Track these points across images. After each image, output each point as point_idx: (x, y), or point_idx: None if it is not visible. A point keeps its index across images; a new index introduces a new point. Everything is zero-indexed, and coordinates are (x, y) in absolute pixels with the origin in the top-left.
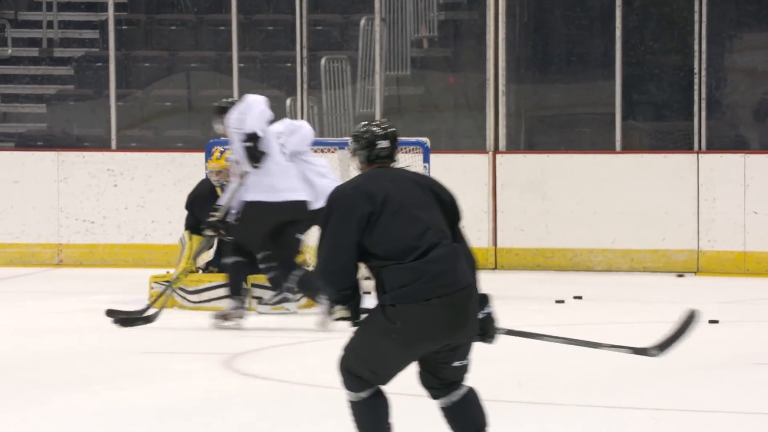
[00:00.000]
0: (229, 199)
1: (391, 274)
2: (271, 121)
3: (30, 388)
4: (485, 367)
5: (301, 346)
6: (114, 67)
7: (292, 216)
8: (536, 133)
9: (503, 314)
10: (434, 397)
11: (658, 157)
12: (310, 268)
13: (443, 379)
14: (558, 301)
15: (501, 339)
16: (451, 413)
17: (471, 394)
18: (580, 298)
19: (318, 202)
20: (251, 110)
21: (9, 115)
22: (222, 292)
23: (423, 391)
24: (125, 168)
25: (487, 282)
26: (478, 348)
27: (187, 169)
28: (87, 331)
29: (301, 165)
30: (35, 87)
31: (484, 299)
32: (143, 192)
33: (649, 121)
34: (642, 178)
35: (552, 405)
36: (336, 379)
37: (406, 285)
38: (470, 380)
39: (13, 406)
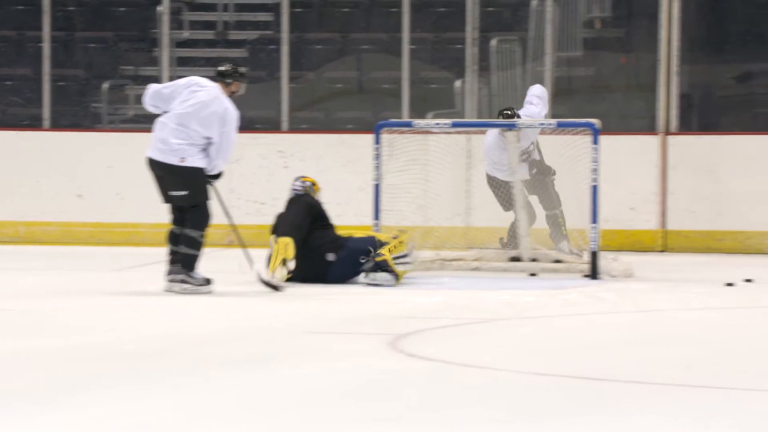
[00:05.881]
0: None
1: None
2: None
3: (201, 365)
4: (652, 349)
5: (467, 328)
6: (287, 49)
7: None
8: (710, 114)
9: (671, 296)
10: None
11: None
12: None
13: None
14: (728, 284)
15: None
16: None
17: None
18: (750, 281)
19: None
20: None
21: None
22: None
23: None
24: (296, 149)
25: (655, 264)
26: (645, 329)
27: (357, 151)
28: (255, 311)
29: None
30: (210, 69)
31: None
32: (313, 173)
33: None
34: None
35: (722, 389)
36: (502, 360)
37: None
38: (636, 363)
39: (185, 383)
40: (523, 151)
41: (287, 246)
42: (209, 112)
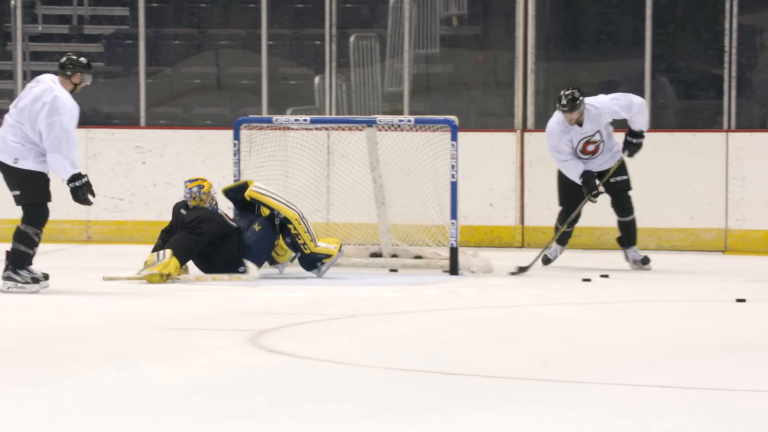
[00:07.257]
0: None
1: None
2: None
3: (58, 363)
4: (511, 344)
5: (327, 324)
6: (144, 44)
7: None
8: None
9: (529, 292)
10: None
11: (687, 135)
12: None
13: None
14: (584, 280)
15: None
16: None
17: None
18: (606, 276)
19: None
20: None
21: None
22: None
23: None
24: (154, 145)
25: (514, 260)
26: (504, 325)
27: (215, 147)
28: (114, 308)
29: None
30: None
31: None
32: (171, 169)
33: (678, 99)
34: (671, 156)
35: (577, 383)
36: (363, 356)
37: None
38: (495, 358)
39: (42, 380)
40: (588, 140)
41: (176, 268)
42: (40, 103)
